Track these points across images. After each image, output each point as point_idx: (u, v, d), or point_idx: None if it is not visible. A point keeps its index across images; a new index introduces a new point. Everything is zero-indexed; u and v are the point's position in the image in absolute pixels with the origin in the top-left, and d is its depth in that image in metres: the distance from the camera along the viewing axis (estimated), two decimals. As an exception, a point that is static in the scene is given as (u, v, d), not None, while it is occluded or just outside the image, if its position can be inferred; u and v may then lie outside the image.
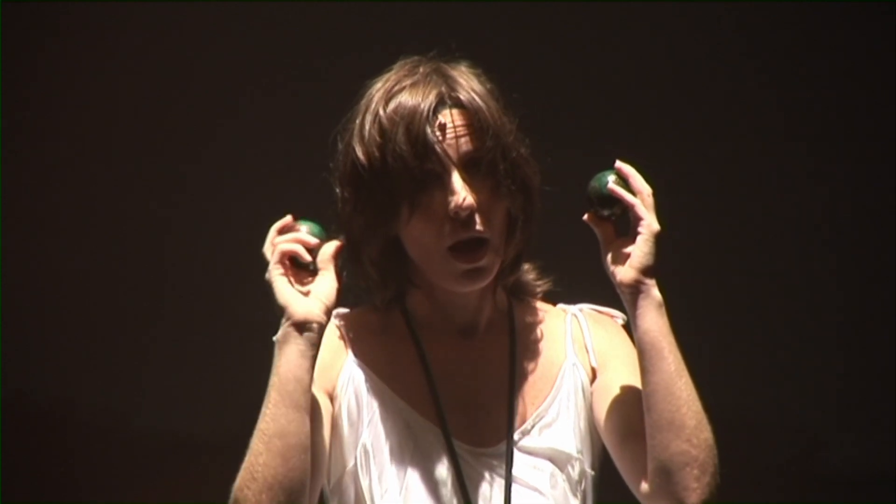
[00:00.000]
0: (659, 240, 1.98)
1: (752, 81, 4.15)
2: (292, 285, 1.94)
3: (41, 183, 4.02)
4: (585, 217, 2.03)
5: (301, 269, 1.96)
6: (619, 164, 2.01)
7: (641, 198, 1.98)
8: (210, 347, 3.96)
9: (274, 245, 1.95)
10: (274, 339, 2.06)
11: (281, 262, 1.94)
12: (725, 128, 4.14)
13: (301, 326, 1.91)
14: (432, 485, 2.00)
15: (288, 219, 1.99)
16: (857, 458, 4.17)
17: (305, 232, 1.97)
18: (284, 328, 1.92)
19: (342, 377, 2.03)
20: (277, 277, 1.93)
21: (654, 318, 1.97)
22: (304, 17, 3.99)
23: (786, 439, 4.21)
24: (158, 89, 4.05)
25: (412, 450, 2.01)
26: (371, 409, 2.03)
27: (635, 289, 1.97)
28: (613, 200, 2.00)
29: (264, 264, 1.97)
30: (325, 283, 1.94)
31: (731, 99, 4.14)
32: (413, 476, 2.00)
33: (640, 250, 1.97)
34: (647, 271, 1.97)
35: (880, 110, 4.13)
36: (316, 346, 1.93)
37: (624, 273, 1.97)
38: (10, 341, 3.96)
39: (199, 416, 3.98)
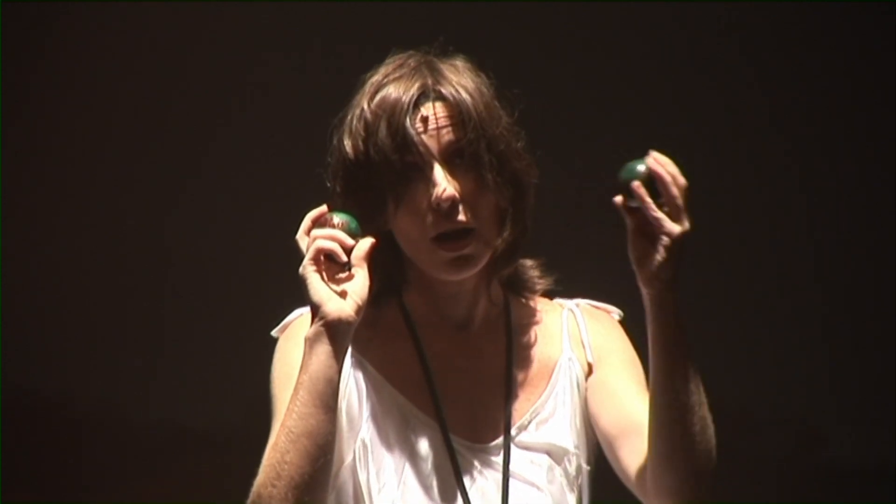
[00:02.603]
0: (684, 241, 1.90)
1: (749, 82, 4.16)
2: (326, 283, 1.91)
3: (41, 179, 4.03)
4: (617, 201, 1.94)
5: (333, 264, 1.94)
6: (650, 159, 1.93)
7: (668, 198, 1.90)
8: (211, 342, 3.97)
9: (310, 238, 1.93)
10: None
11: (316, 258, 1.91)
12: (724, 126, 4.15)
13: (334, 326, 1.89)
14: (430, 480, 2.00)
15: (323, 208, 1.97)
16: (856, 452, 4.17)
17: (340, 226, 1.94)
18: (316, 327, 1.89)
19: (343, 370, 2.04)
20: (311, 274, 1.90)
21: (670, 325, 1.92)
22: (304, 17, 4.00)
23: (785, 434, 4.22)
24: (158, 89, 4.06)
25: (410, 445, 2.01)
26: (370, 403, 2.03)
27: (655, 293, 1.92)
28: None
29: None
30: (359, 282, 1.92)
31: (729, 99, 4.15)
32: (411, 471, 2.00)
33: (660, 257, 1.90)
34: (666, 279, 1.91)
35: (879, 110, 4.14)
36: (346, 345, 1.91)
37: (643, 276, 1.92)
38: (11, 337, 3.97)
39: (200, 411, 3.99)
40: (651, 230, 1.92)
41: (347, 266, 1.94)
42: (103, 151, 4.07)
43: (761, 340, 4.15)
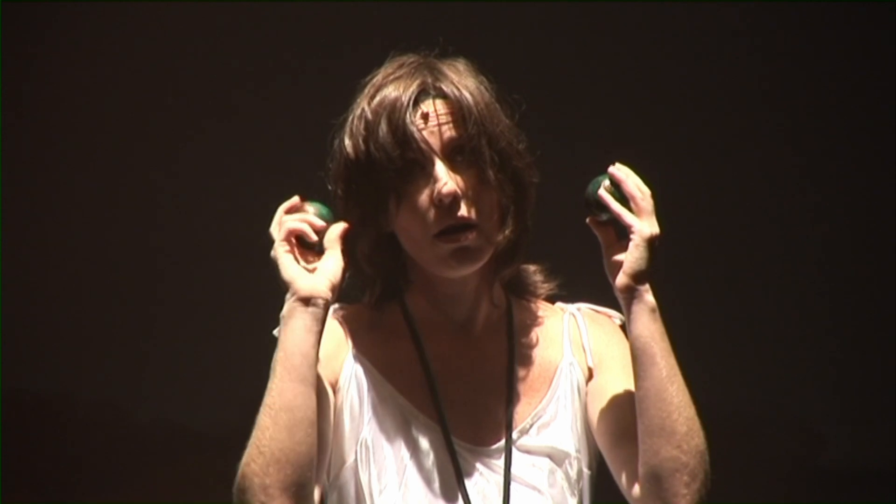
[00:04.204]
0: (654, 243, 1.97)
1: (753, 83, 4.16)
2: (297, 262, 1.93)
3: (39, 179, 4.03)
4: (587, 220, 2.03)
5: (307, 250, 1.96)
6: (611, 168, 2.01)
7: (634, 202, 1.97)
8: (209, 341, 3.97)
9: (280, 224, 1.95)
10: (275, 332, 2.09)
11: (287, 239, 1.94)
12: (728, 127, 4.15)
13: (306, 301, 1.91)
14: (431, 482, 2.00)
15: (295, 199, 1.98)
16: (855, 453, 4.18)
17: (313, 213, 1.96)
18: (290, 303, 1.91)
19: (345, 370, 2.04)
20: (283, 254, 1.93)
21: (645, 322, 1.96)
22: (303, 16, 4.00)
23: (785, 434, 4.22)
24: (156, 89, 4.06)
25: (412, 446, 2.01)
26: (372, 404, 2.03)
27: (628, 294, 1.97)
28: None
29: (266, 252, 1.97)
30: (331, 262, 1.94)
31: (732, 99, 4.15)
32: (412, 473, 2.01)
33: (631, 256, 1.96)
34: (638, 276, 1.96)
35: (877, 111, 4.14)
36: (321, 321, 1.92)
37: (618, 279, 1.97)
38: (10, 337, 3.97)
39: (199, 410, 4.00)
40: (623, 243, 1.98)
41: (319, 247, 1.95)
42: (102, 152, 4.07)
43: (761, 343, 4.15)
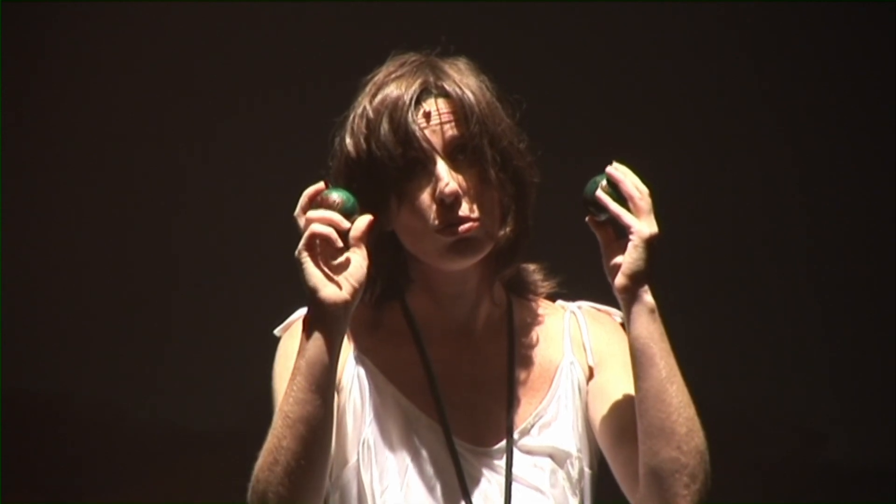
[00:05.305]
0: (653, 243, 1.96)
1: (753, 83, 4.17)
2: (321, 268, 1.90)
3: (39, 179, 4.03)
4: (587, 220, 2.02)
5: (330, 245, 1.91)
6: (609, 168, 2.00)
7: (632, 202, 1.96)
8: (209, 342, 3.97)
9: (305, 220, 1.91)
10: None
11: (310, 243, 1.90)
12: (726, 127, 4.15)
13: (329, 311, 1.89)
14: (433, 483, 2.01)
15: (320, 185, 1.95)
16: (855, 453, 4.17)
17: (337, 202, 1.92)
18: (312, 312, 1.90)
19: (347, 371, 2.04)
20: (306, 260, 1.89)
21: (645, 323, 1.95)
22: (304, 17, 4.00)
23: (785, 434, 4.22)
24: (160, 88, 4.06)
25: (414, 447, 2.02)
26: (373, 404, 2.03)
27: (627, 295, 1.96)
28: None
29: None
30: (356, 263, 1.92)
31: (733, 100, 4.15)
32: (414, 473, 2.01)
33: (629, 256, 1.95)
34: (637, 277, 1.95)
35: (877, 111, 4.14)
36: (343, 330, 1.91)
37: (617, 279, 1.97)
38: (9, 337, 3.97)
39: (199, 411, 4.00)
40: (622, 243, 1.97)
41: (344, 246, 1.92)
42: (102, 151, 4.07)
43: (760, 341, 4.15)
